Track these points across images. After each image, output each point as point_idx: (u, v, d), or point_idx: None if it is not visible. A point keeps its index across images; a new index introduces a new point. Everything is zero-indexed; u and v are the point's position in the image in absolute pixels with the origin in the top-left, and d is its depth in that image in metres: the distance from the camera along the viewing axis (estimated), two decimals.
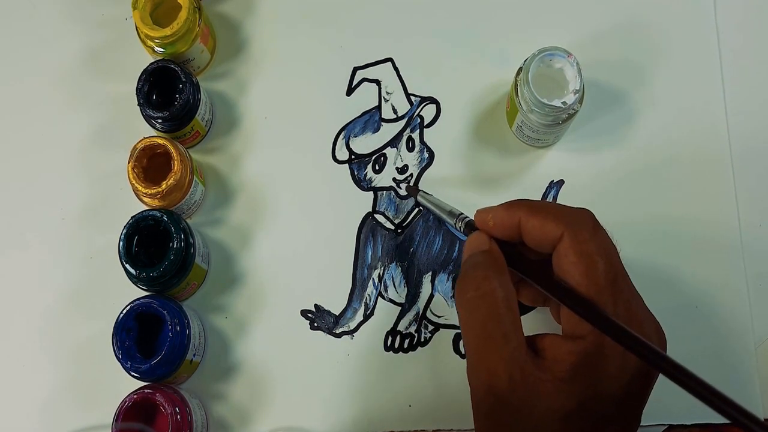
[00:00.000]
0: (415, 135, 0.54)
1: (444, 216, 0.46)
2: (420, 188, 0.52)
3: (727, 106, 0.54)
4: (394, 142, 0.54)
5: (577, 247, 0.36)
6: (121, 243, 0.48)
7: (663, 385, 0.49)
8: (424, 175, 0.53)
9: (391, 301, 0.52)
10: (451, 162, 0.54)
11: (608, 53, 0.55)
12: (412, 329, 0.51)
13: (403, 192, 0.53)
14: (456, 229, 0.44)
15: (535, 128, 0.50)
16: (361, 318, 0.52)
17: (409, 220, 0.53)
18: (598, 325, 0.34)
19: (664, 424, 0.50)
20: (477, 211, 0.41)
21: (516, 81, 0.49)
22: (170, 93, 0.51)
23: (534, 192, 0.53)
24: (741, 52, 0.55)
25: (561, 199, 0.52)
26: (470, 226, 0.42)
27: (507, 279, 0.37)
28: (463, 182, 0.53)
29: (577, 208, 0.38)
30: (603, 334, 0.34)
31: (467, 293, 0.37)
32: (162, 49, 0.51)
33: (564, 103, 0.47)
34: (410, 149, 0.54)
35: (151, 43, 0.51)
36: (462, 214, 0.44)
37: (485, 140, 0.54)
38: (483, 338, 0.36)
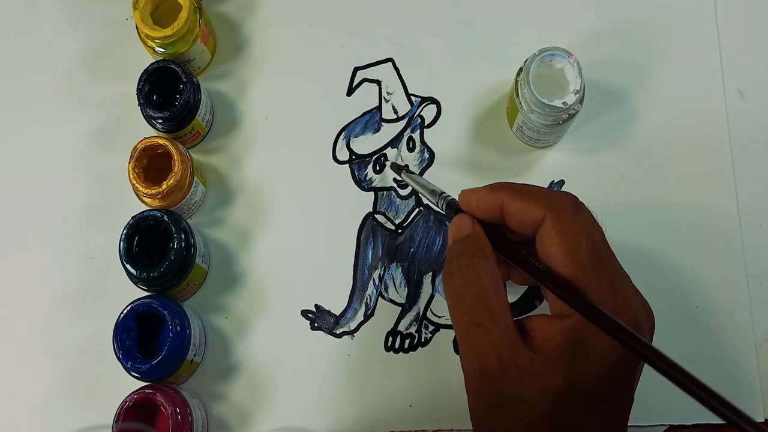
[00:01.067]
0: (416, 135, 0.54)
1: (426, 195, 0.46)
2: (405, 166, 0.52)
3: (727, 107, 0.54)
4: (394, 143, 0.54)
5: (559, 228, 0.36)
6: (121, 243, 0.48)
7: (664, 385, 0.49)
8: (424, 174, 0.53)
9: (392, 301, 0.52)
10: (451, 162, 0.54)
11: (608, 53, 0.55)
12: (413, 329, 0.51)
13: (403, 192, 0.53)
14: (438, 208, 0.44)
15: (535, 128, 0.50)
16: (362, 318, 0.52)
17: (409, 220, 0.53)
18: (576, 307, 0.34)
19: (665, 425, 0.50)
20: (461, 191, 0.41)
21: (516, 81, 0.49)
22: (171, 93, 0.51)
23: None
24: (741, 52, 0.55)
25: None
26: (451, 206, 0.42)
27: (492, 264, 0.38)
28: (463, 182, 0.53)
29: (559, 191, 0.39)
30: None
31: (453, 282, 0.37)
32: (162, 50, 0.51)
33: (564, 103, 0.47)
34: (411, 149, 0.54)
35: (152, 44, 0.51)
36: (444, 193, 0.44)
37: (486, 140, 0.54)
38: (472, 325, 0.36)
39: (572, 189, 0.53)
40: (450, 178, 0.53)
